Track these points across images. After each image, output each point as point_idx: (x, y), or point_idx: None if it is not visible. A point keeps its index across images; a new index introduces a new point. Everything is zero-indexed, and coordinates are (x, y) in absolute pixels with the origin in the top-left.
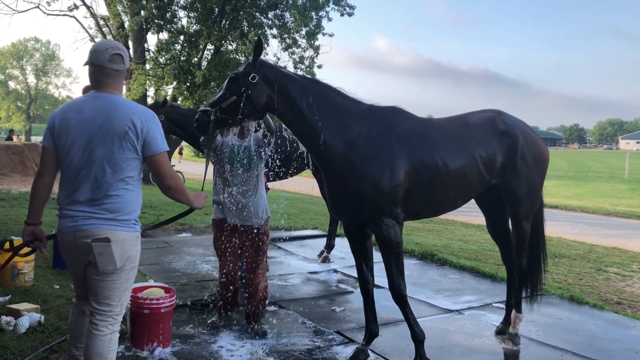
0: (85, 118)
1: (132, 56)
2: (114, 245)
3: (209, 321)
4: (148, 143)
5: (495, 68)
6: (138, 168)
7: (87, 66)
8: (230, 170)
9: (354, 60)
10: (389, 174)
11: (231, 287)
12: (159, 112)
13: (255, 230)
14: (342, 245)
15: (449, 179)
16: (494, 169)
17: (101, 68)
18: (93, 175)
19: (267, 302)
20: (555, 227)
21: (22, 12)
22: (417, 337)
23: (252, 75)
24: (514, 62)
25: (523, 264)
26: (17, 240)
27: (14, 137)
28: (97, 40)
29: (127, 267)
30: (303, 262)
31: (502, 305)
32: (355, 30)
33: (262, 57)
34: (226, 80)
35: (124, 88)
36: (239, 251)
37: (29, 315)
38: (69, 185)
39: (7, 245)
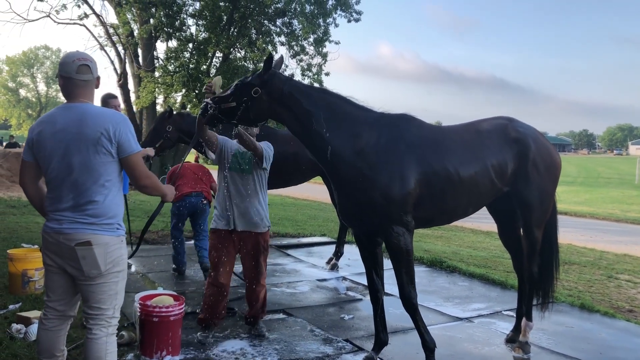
0: (59, 129)
1: (141, 64)
2: (96, 249)
3: (197, 337)
4: (121, 145)
5: (501, 74)
6: (116, 171)
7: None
8: (231, 174)
9: (358, 67)
10: (399, 182)
11: (221, 299)
12: (166, 123)
13: (254, 237)
14: (351, 252)
15: (460, 186)
16: (506, 176)
17: (70, 79)
18: (74, 182)
19: (266, 307)
20: (565, 234)
21: (33, 21)
22: (428, 345)
23: (255, 89)
24: (519, 68)
25: (534, 271)
26: (28, 248)
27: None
28: (107, 48)
29: (113, 270)
30: (311, 269)
31: (512, 313)
32: (358, 37)
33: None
34: (234, 83)
35: (133, 95)
36: (234, 262)
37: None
38: (53, 194)
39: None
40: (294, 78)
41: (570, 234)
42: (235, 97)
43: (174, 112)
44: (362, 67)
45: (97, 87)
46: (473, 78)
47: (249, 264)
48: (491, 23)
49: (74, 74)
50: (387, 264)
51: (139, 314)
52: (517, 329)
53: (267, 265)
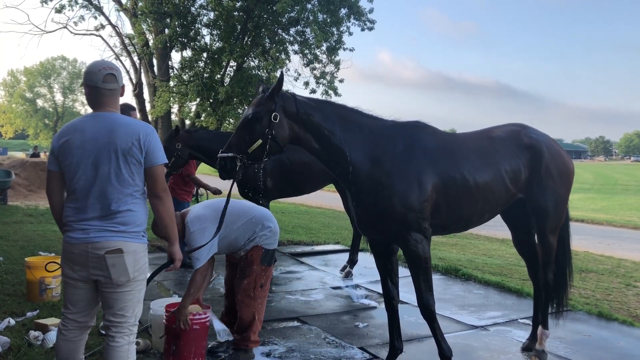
0: (88, 138)
1: (156, 73)
2: (126, 256)
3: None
4: (149, 155)
5: (506, 80)
6: (143, 180)
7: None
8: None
9: (361, 75)
10: (417, 189)
11: (229, 301)
12: (175, 141)
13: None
14: (365, 260)
15: (476, 193)
16: (520, 182)
17: (96, 89)
18: (102, 191)
19: (254, 336)
20: (581, 242)
21: (50, 32)
22: (445, 354)
23: (274, 114)
24: (524, 74)
25: (549, 278)
26: (45, 256)
27: (42, 154)
28: (122, 58)
29: (139, 277)
30: (326, 277)
31: (528, 321)
32: (357, 44)
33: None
34: (246, 121)
35: (148, 104)
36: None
37: (57, 330)
38: (79, 203)
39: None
40: (309, 85)
41: (587, 242)
42: (256, 134)
43: (182, 129)
44: (365, 74)
45: (121, 95)
46: (478, 84)
47: (238, 277)
48: (490, 29)
49: (100, 83)
50: (403, 271)
51: (165, 322)
52: (533, 337)
53: (282, 273)
